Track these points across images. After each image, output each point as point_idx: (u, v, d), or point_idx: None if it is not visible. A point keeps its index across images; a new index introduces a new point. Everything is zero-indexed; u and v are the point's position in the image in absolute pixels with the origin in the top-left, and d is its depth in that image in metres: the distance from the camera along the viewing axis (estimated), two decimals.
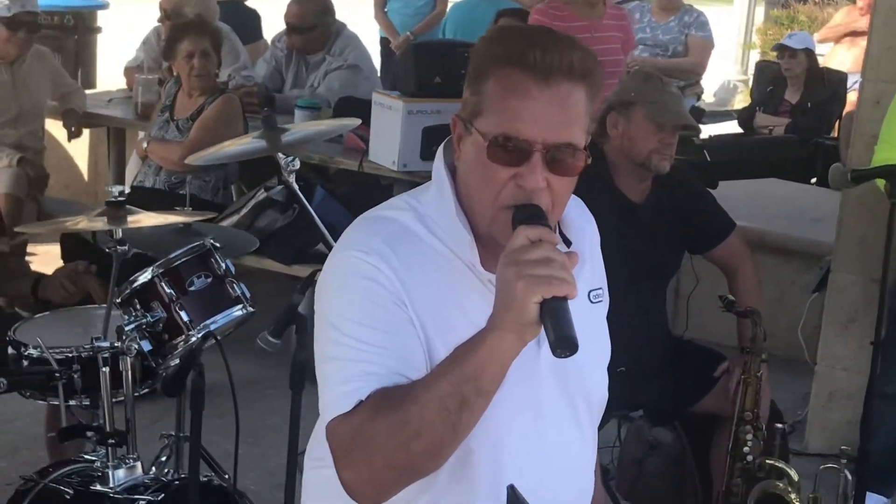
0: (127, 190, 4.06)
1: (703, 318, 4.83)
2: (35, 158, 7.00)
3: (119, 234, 3.86)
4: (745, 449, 4.38)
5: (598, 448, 4.93)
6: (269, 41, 8.32)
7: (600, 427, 4.66)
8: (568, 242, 2.33)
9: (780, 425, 4.51)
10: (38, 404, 4.12)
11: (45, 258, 6.94)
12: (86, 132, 8.35)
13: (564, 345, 1.97)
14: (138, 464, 3.89)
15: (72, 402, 3.99)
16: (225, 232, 4.73)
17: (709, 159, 5.52)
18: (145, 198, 6.15)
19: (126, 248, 3.86)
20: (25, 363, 4.00)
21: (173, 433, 4.23)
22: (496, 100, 2.15)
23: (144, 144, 6.59)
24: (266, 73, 7.75)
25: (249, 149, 4.25)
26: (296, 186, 4.11)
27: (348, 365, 2.14)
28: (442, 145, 2.32)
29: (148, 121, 6.86)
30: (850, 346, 5.69)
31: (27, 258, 6.88)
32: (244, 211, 6.27)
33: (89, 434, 3.87)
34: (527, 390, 2.25)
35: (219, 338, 3.84)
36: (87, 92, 8.10)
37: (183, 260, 3.97)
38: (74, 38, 9.54)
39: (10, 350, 4.06)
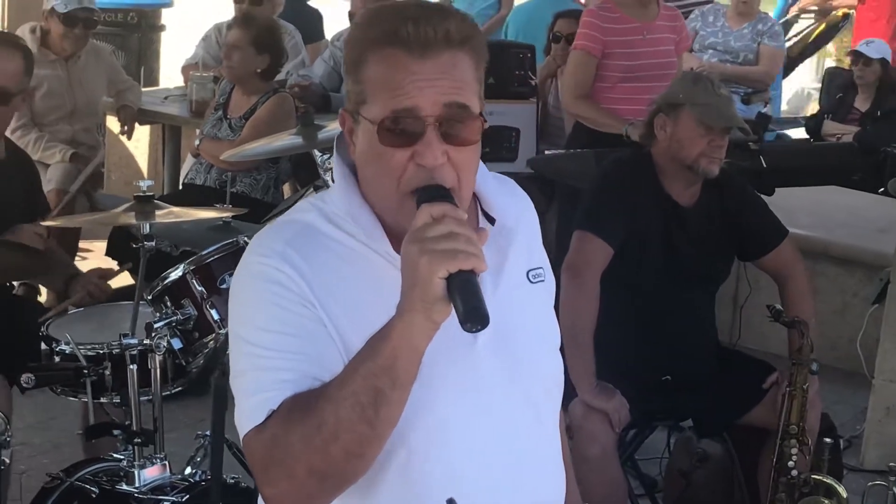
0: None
1: (763, 327, 4.73)
2: (89, 154, 6.98)
3: (146, 229, 3.80)
4: (790, 463, 4.26)
5: (646, 458, 4.96)
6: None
7: (648, 435, 4.70)
8: (491, 220, 2.22)
9: (828, 440, 4.37)
10: (82, 401, 4.09)
11: (98, 254, 6.94)
12: (145, 129, 8.37)
13: (473, 317, 1.87)
14: (165, 463, 3.82)
15: (102, 400, 3.96)
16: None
17: (765, 165, 5.37)
18: (195, 195, 6.13)
19: (153, 244, 3.80)
20: (57, 359, 3.97)
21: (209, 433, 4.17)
22: (377, 83, 2.06)
23: (197, 142, 6.56)
24: (323, 73, 7.69)
25: (285, 146, 4.19)
26: (332, 184, 4.02)
27: (258, 375, 2.04)
28: (336, 140, 2.24)
29: (202, 118, 6.82)
30: None
31: (78, 254, 6.92)
32: None
33: (116, 433, 3.81)
34: (467, 381, 2.13)
35: None
36: (145, 89, 8.10)
37: (215, 257, 3.93)
38: (138, 35, 9.54)
39: (42, 346, 4.04)
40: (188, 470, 4.06)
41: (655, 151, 4.52)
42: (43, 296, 6.48)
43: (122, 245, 5.72)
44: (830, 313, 6.76)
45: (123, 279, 5.13)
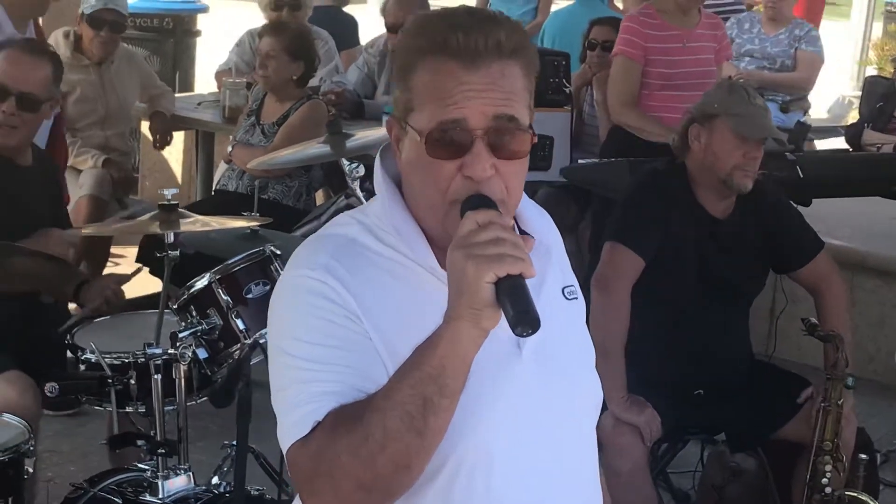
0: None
1: (800, 339, 4.68)
2: (121, 160, 6.97)
3: (171, 238, 3.76)
4: (824, 480, 4.20)
5: (678, 472, 4.90)
6: None
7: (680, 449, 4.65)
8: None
9: (864, 456, 4.30)
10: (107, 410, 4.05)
11: (130, 260, 6.92)
12: (179, 135, 8.35)
13: (524, 320, 1.85)
14: (190, 474, 3.78)
15: (127, 409, 3.93)
16: (291, 240, 4.63)
17: (801, 176, 5.30)
18: (227, 201, 6.10)
19: (178, 252, 3.77)
20: (82, 367, 3.95)
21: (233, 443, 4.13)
22: (425, 92, 2.04)
23: (230, 148, 6.54)
24: (357, 79, 7.66)
25: (313, 154, 4.16)
26: (360, 193, 4.00)
27: (301, 388, 2.00)
28: (379, 152, 2.20)
29: (234, 124, 6.80)
30: None
31: (110, 260, 6.90)
32: (324, 218, 6.15)
33: (140, 443, 3.78)
34: (512, 398, 2.10)
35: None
36: (180, 95, 8.09)
37: (241, 266, 3.91)
38: (173, 41, 9.51)
39: (68, 354, 4.02)
40: (214, 480, 4.04)
41: (690, 162, 4.46)
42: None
43: (152, 252, 5.70)
44: (868, 326, 6.69)
45: (150, 285, 5.11)
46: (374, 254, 2.09)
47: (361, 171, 4.06)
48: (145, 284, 4.96)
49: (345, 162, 4.03)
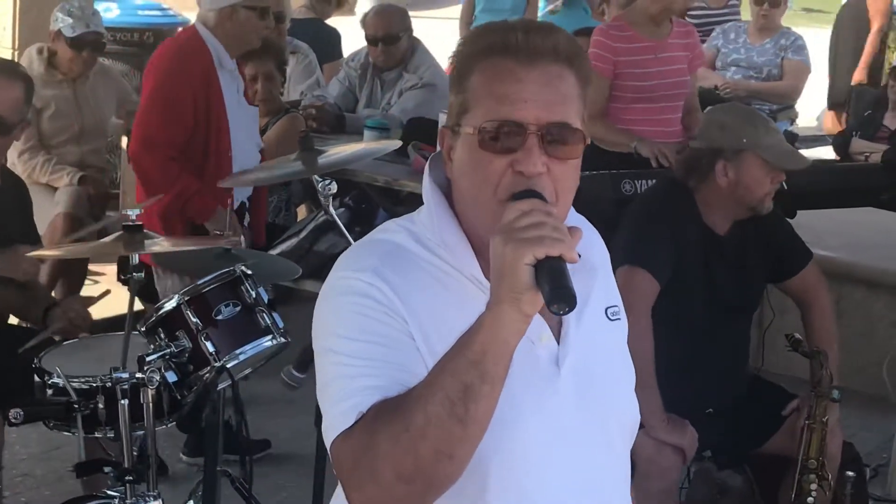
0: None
1: (788, 351, 4.64)
2: (98, 176, 6.89)
3: (136, 259, 3.67)
4: (809, 500, 4.14)
5: None
6: None
7: None
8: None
9: (851, 473, 4.24)
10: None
11: (110, 277, 6.85)
12: None
13: (560, 296, 1.84)
14: (158, 502, 3.69)
15: (96, 434, 3.84)
16: (266, 258, 4.54)
17: (786, 187, 5.22)
18: None
19: (142, 275, 3.68)
20: (50, 392, 3.85)
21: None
22: (482, 90, 2.07)
23: None
24: (339, 93, 7.60)
25: (285, 171, 4.07)
26: (332, 210, 3.91)
27: (346, 382, 2.01)
28: (428, 163, 2.20)
29: None
30: None
31: (89, 277, 6.81)
32: (304, 234, 6.11)
33: (107, 470, 3.69)
34: (548, 417, 2.11)
35: (240, 374, 3.65)
36: None
37: (211, 287, 3.81)
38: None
39: (36, 378, 3.92)
40: (190, 503, 3.96)
41: (706, 189, 4.41)
42: None
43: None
44: (856, 336, 6.63)
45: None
46: (422, 260, 2.11)
47: (334, 188, 3.97)
48: (119, 303, 4.88)
49: (317, 179, 3.93)
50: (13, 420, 3.63)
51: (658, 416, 4.25)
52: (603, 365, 2.20)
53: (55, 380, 3.80)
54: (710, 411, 4.46)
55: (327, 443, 2.02)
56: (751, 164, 4.33)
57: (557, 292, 1.84)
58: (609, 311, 2.29)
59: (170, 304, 3.77)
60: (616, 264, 2.14)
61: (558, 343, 2.15)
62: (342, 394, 2.00)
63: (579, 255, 2.02)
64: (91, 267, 6.88)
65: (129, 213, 3.70)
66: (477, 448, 1.94)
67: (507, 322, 1.89)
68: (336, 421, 1.99)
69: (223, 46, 5.26)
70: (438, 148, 2.22)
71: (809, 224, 6.73)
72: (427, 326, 2.04)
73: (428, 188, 2.17)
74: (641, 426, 4.11)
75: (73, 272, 6.47)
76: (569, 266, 1.94)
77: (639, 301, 4.23)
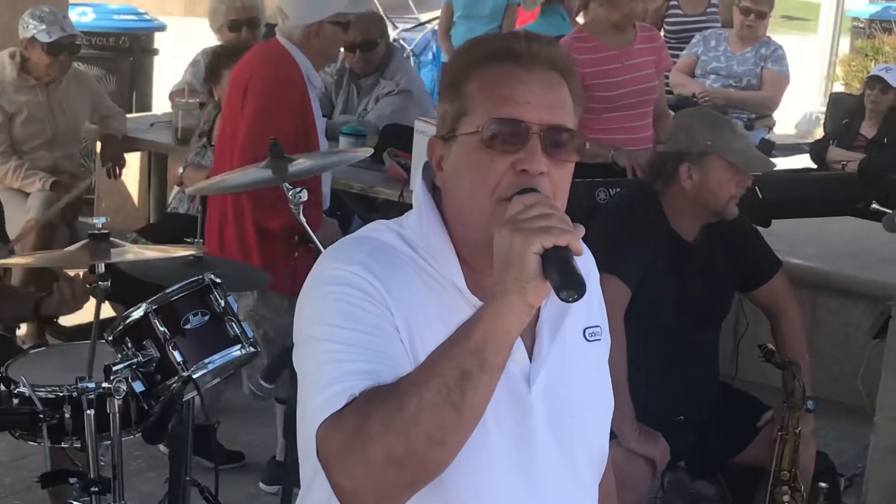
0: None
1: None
2: (71, 182, 6.82)
3: (101, 268, 3.63)
4: None
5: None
6: None
7: None
8: None
9: (824, 484, 4.23)
10: None
11: None
12: (135, 156, 8.22)
13: (569, 283, 1.87)
14: None
15: (63, 444, 3.80)
16: (237, 266, 4.50)
17: (760, 196, 5.23)
18: (178, 224, 5.98)
19: (108, 284, 3.63)
20: (16, 401, 3.81)
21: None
22: (483, 93, 2.09)
23: (180, 170, 6.41)
24: None
25: (254, 179, 4.03)
26: (303, 219, 3.88)
27: (336, 366, 1.98)
28: (421, 169, 2.21)
29: (188, 146, 6.67)
30: None
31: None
32: None
33: (72, 481, 3.65)
34: (520, 444, 2.09)
35: (209, 383, 3.62)
36: (133, 116, 7.96)
37: (179, 296, 3.77)
38: (130, 60, 9.35)
39: (1, 387, 3.87)
40: None
41: (672, 195, 4.41)
42: (23, 329, 6.34)
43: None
44: (831, 346, 6.63)
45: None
46: (409, 260, 2.11)
47: (304, 195, 3.94)
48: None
49: (287, 186, 3.90)
50: None
51: (629, 425, 4.23)
52: (577, 388, 2.19)
53: (21, 389, 3.76)
54: (680, 419, 4.44)
55: (313, 427, 1.96)
56: (715, 167, 4.31)
57: (567, 279, 1.86)
58: (587, 331, 2.29)
59: (137, 313, 3.73)
60: None
61: (531, 361, 2.13)
62: (330, 378, 1.97)
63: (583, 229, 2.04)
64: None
65: (96, 221, 3.65)
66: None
67: (510, 311, 1.90)
68: (324, 405, 1.95)
69: (310, 62, 5.22)
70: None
71: (785, 233, 6.74)
72: (411, 322, 2.04)
73: (420, 193, 2.17)
74: (613, 436, 4.16)
75: (44, 277, 6.41)
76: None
77: (612, 309, 4.19)
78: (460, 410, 1.88)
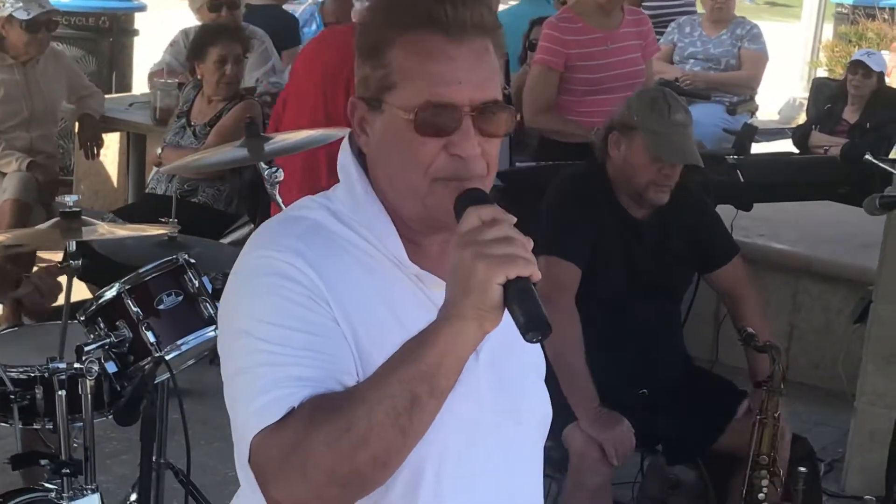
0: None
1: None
2: (47, 162, 6.77)
3: (73, 247, 3.58)
4: (760, 496, 4.11)
5: (618, 483, 4.79)
6: None
7: None
8: None
9: (802, 469, 4.20)
10: None
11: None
12: (114, 136, 8.16)
13: (536, 326, 1.81)
14: (96, 496, 3.61)
15: (35, 426, 3.75)
16: (213, 246, 4.46)
17: (742, 180, 5.20)
18: (155, 205, 5.93)
19: (80, 262, 3.59)
20: None
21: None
22: (410, 68, 1.97)
23: (159, 150, 6.36)
24: None
25: (230, 158, 4.00)
26: (279, 199, 3.83)
27: (272, 371, 1.89)
28: (344, 142, 2.11)
29: (166, 126, 6.63)
30: (893, 382, 5.36)
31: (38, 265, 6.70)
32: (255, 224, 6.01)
33: (43, 462, 3.60)
34: (469, 403, 2.03)
35: (183, 364, 3.57)
36: (116, 95, 7.91)
37: (153, 276, 3.73)
38: (109, 40, 9.28)
39: None
40: (133, 497, 3.87)
41: (610, 167, 4.42)
42: None
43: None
44: (813, 332, 6.62)
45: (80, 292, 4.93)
46: (343, 239, 2.02)
47: (280, 175, 3.89)
48: (76, 292, 4.79)
49: (263, 166, 3.86)
50: None
51: (586, 405, 4.19)
52: (513, 354, 2.13)
53: None
54: (644, 392, 4.41)
55: (246, 435, 1.90)
56: (637, 145, 4.30)
57: (534, 321, 1.81)
58: None
59: (110, 293, 3.69)
60: (536, 253, 2.07)
61: None
62: (266, 383, 1.88)
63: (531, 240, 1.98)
64: (41, 254, 6.76)
65: (67, 199, 3.60)
66: None
67: (466, 338, 1.84)
68: (261, 412, 1.87)
69: None
70: None
71: (767, 217, 6.73)
72: (351, 311, 1.96)
73: (349, 164, 2.08)
74: (575, 418, 4.14)
75: (20, 260, 6.36)
76: None
77: (561, 291, 4.23)
78: (406, 434, 1.84)
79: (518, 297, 1.81)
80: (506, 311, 1.83)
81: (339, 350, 1.93)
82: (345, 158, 2.10)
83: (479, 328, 1.84)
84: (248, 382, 1.90)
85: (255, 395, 1.89)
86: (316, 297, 1.93)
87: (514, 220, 1.87)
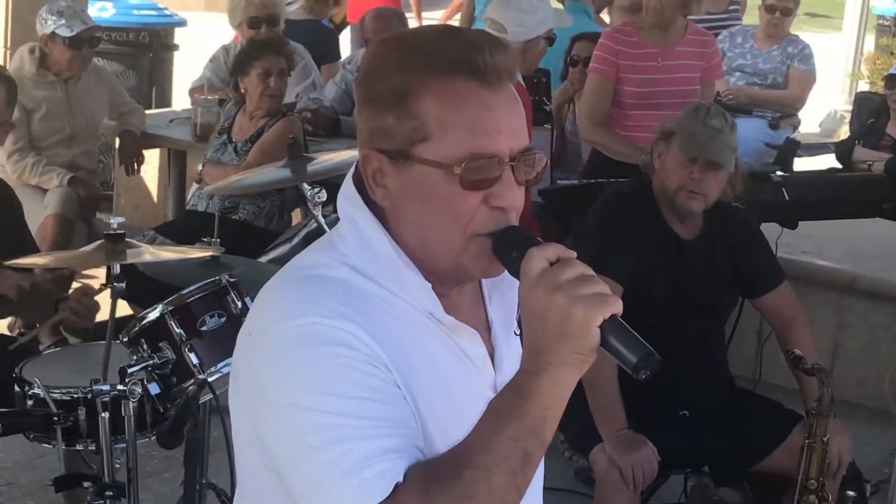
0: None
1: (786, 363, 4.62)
2: (88, 178, 6.77)
3: (117, 269, 3.57)
4: None
5: None
6: None
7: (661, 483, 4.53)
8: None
9: (852, 493, 4.15)
10: None
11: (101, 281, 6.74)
12: (155, 152, 8.17)
13: (647, 363, 1.79)
14: None
15: (78, 447, 3.75)
16: (255, 265, 4.44)
17: (787, 198, 5.15)
18: (196, 222, 5.93)
19: (123, 285, 3.57)
20: (30, 403, 3.76)
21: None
22: (447, 117, 1.88)
23: (199, 167, 6.35)
24: (335, 96, 7.50)
25: (272, 178, 3.98)
26: (322, 220, 3.82)
27: (355, 447, 1.79)
28: (346, 190, 2.00)
29: (206, 143, 6.62)
30: None
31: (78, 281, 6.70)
32: (296, 240, 5.96)
33: (86, 485, 3.59)
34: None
35: (225, 386, 3.54)
36: (152, 112, 7.91)
37: (196, 297, 3.71)
38: (150, 55, 9.30)
39: (16, 388, 3.82)
40: None
41: (654, 181, 4.42)
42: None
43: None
44: (858, 350, 6.54)
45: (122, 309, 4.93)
46: (375, 297, 1.93)
47: (323, 196, 3.88)
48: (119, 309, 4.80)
49: (306, 186, 3.84)
50: None
51: (613, 426, 4.17)
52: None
53: (35, 390, 3.72)
54: (684, 414, 4.39)
55: None
56: (673, 148, 4.32)
57: (644, 360, 1.78)
58: (515, 327, 2.14)
59: (153, 315, 3.68)
60: None
61: (494, 370, 2.04)
62: (357, 459, 1.78)
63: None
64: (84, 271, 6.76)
65: (112, 221, 3.59)
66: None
67: (567, 384, 1.81)
68: (362, 490, 1.78)
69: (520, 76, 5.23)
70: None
71: (812, 234, 6.67)
72: (404, 373, 1.88)
73: (361, 216, 1.96)
74: (599, 440, 4.11)
75: (62, 278, 6.36)
76: (489, 283, 2.00)
77: None
78: (521, 492, 1.81)
79: (617, 335, 1.79)
80: None
81: (408, 415, 1.87)
82: (353, 209, 1.98)
83: (578, 373, 1.81)
84: (332, 461, 1.80)
85: (347, 474, 1.79)
86: (377, 363, 1.85)
87: (575, 254, 1.84)
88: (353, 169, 2.01)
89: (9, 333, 4.60)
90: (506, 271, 1.93)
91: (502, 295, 2.06)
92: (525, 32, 5.20)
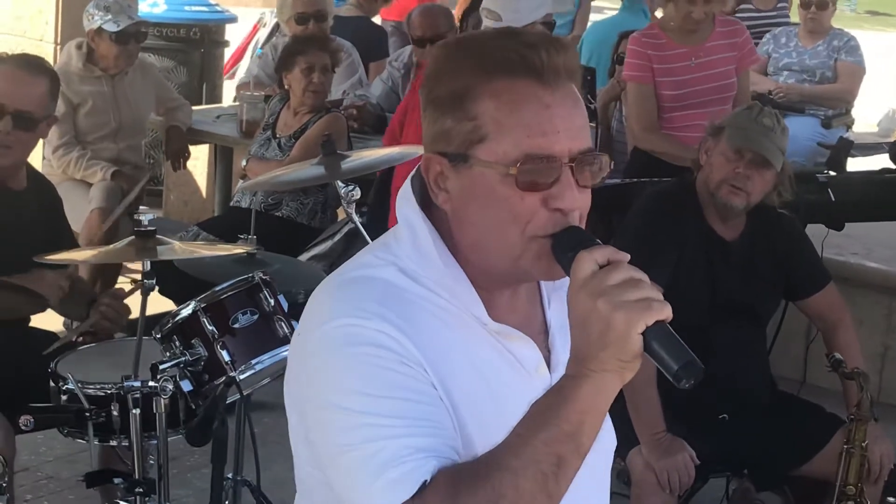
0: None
1: None
2: (134, 173, 6.78)
3: (147, 266, 3.57)
4: None
5: None
6: None
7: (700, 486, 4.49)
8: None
9: (892, 499, 4.09)
10: None
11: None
12: (203, 148, 8.19)
13: (690, 372, 1.74)
14: None
15: (111, 443, 3.76)
16: (292, 263, 4.43)
17: (833, 199, 5.08)
18: (239, 218, 5.92)
19: (154, 281, 3.57)
20: (64, 398, 3.77)
21: (230, 476, 3.96)
22: (504, 118, 1.87)
23: (244, 162, 6.36)
24: (381, 93, 7.50)
25: (307, 176, 3.97)
26: (356, 217, 3.80)
27: (385, 445, 1.80)
28: (404, 191, 2.00)
29: (252, 139, 6.63)
30: None
31: (125, 275, 6.74)
32: (337, 237, 5.98)
33: (117, 481, 3.60)
34: None
35: (258, 384, 3.56)
36: (200, 108, 7.92)
37: (229, 294, 3.72)
38: (200, 51, 9.30)
39: (51, 383, 3.83)
40: None
41: (699, 178, 4.38)
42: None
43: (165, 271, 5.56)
44: None
45: (160, 305, 4.93)
46: (419, 298, 1.92)
47: (357, 193, 3.87)
48: (155, 305, 4.80)
49: (340, 184, 3.82)
50: (24, 427, 3.57)
51: (648, 430, 4.14)
52: None
53: (69, 386, 3.72)
54: (724, 417, 4.35)
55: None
56: (721, 142, 4.28)
57: (687, 369, 1.74)
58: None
59: (186, 311, 3.69)
60: None
61: (550, 372, 2.01)
62: (386, 457, 1.79)
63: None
64: (126, 264, 6.79)
65: (143, 218, 3.58)
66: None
67: (608, 392, 1.79)
68: (389, 488, 1.79)
69: None
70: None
71: (860, 235, 6.58)
72: (443, 374, 1.88)
73: (416, 218, 1.97)
74: (636, 443, 4.07)
75: (109, 270, 6.40)
76: (549, 285, 1.92)
77: None
78: (552, 498, 1.78)
79: (662, 342, 1.75)
80: None
81: (443, 415, 1.86)
82: (409, 211, 1.99)
83: (620, 380, 1.78)
84: (363, 459, 1.81)
85: (377, 472, 1.80)
86: (412, 363, 1.85)
87: (628, 257, 1.81)
88: (414, 170, 2.01)
89: (42, 328, 4.59)
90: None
91: (561, 297, 2.00)
92: (519, 18, 5.10)
